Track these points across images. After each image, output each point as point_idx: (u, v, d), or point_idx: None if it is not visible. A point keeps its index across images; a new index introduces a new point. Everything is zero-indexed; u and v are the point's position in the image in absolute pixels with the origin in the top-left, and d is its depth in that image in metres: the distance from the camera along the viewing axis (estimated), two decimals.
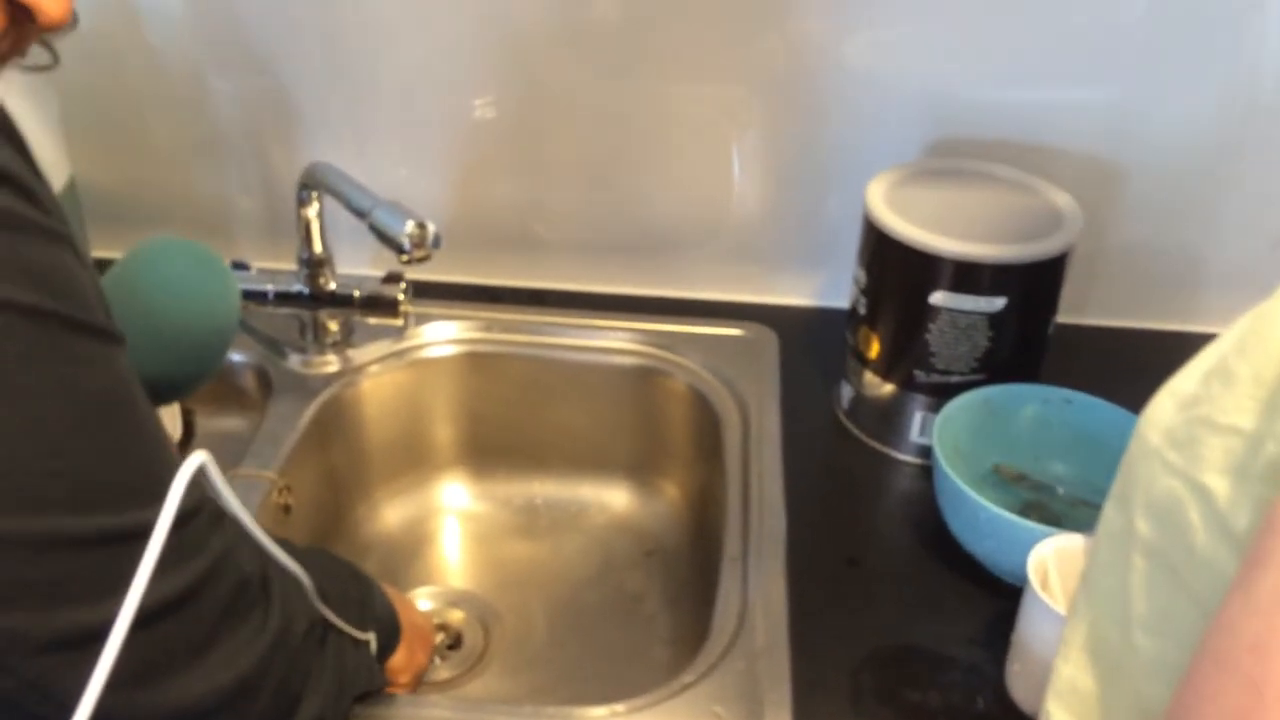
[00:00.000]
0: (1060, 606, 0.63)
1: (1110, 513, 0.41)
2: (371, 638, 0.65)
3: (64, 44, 0.53)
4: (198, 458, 0.47)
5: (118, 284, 0.71)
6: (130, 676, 0.45)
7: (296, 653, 0.55)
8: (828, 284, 1.05)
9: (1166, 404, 0.39)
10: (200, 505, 0.49)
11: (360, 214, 0.79)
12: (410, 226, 0.76)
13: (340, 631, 0.61)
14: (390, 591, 0.72)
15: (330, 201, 0.87)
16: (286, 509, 0.85)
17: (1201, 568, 0.35)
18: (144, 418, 0.48)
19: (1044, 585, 0.66)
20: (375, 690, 0.66)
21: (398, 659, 0.70)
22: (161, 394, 0.49)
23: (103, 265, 0.64)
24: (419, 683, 0.75)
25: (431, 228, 0.77)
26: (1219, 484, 0.35)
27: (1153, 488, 0.38)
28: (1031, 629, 0.66)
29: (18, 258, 0.42)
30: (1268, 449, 0.34)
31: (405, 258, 0.76)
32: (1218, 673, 0.32)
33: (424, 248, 0.76)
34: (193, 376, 0.76)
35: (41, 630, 0.43)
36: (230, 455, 0.86)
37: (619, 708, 0.67)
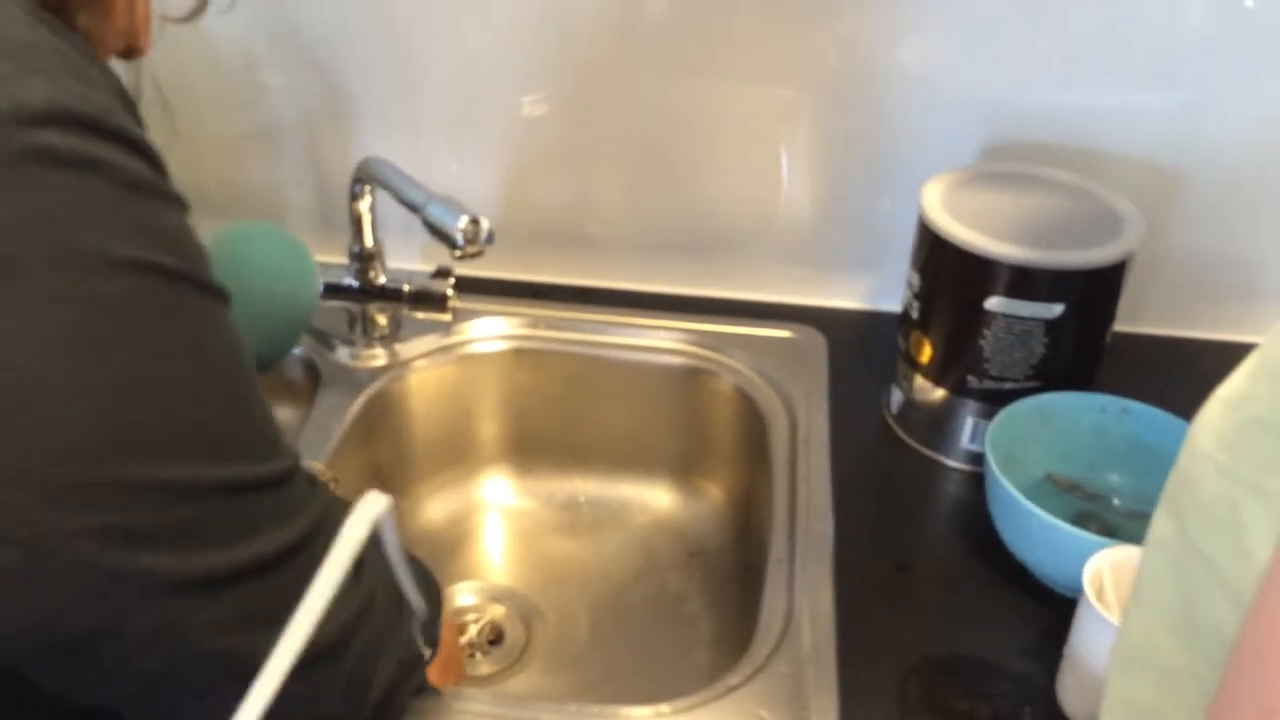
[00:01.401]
0: (1116, 619, 0.62)
1: (1160, 521, 0.40)
2: (429, 652, 0.65)
3: None
4: (380, 499, 0.51)
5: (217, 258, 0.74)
6: (252, 619, 0.48)
7: (379, 623, 0.56)
8: (878, 287, 1.04)
9: (1215, 409, 0.38)
10: (298, 466, 0.52)
11: (414, 208, 0.80)
12: (464, 222, 0.76)
13: (410, 621, 0.61)
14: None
15: (380, 195, 0.87)
16: None
17: (1251, 572, 0.34)
18: (254, 376, 0.50)
19: (1099, 597, 0.64)
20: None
21: (434, 665, 0.70)
22: None
23: None
24: None
25: (485, 223, 0.77)
26: (1273, 483, 0.34)
27: (1204, 493, 0.37)
28: (1086, 641, 0.65)
29: (155, 222, 0.45)
30: None
31: (458, 253, 0.76)
32: (1257, 666, 0.31)
33: (477, 243, 0.76)
34: (270, 357, 0.79)
35: (180, 571, 0.45)
36: None
37: (664, 708, 0.67)
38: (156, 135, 0.47)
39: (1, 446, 0.40)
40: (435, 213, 0.77)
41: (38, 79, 0.41)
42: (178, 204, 0.47)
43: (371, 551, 0.57)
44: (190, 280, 0.46)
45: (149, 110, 0.51)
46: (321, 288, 0.83)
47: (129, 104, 0.47)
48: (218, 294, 0.48)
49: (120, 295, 0.43)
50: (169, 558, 0.45)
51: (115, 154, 0.43)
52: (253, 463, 0.48)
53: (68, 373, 0.41)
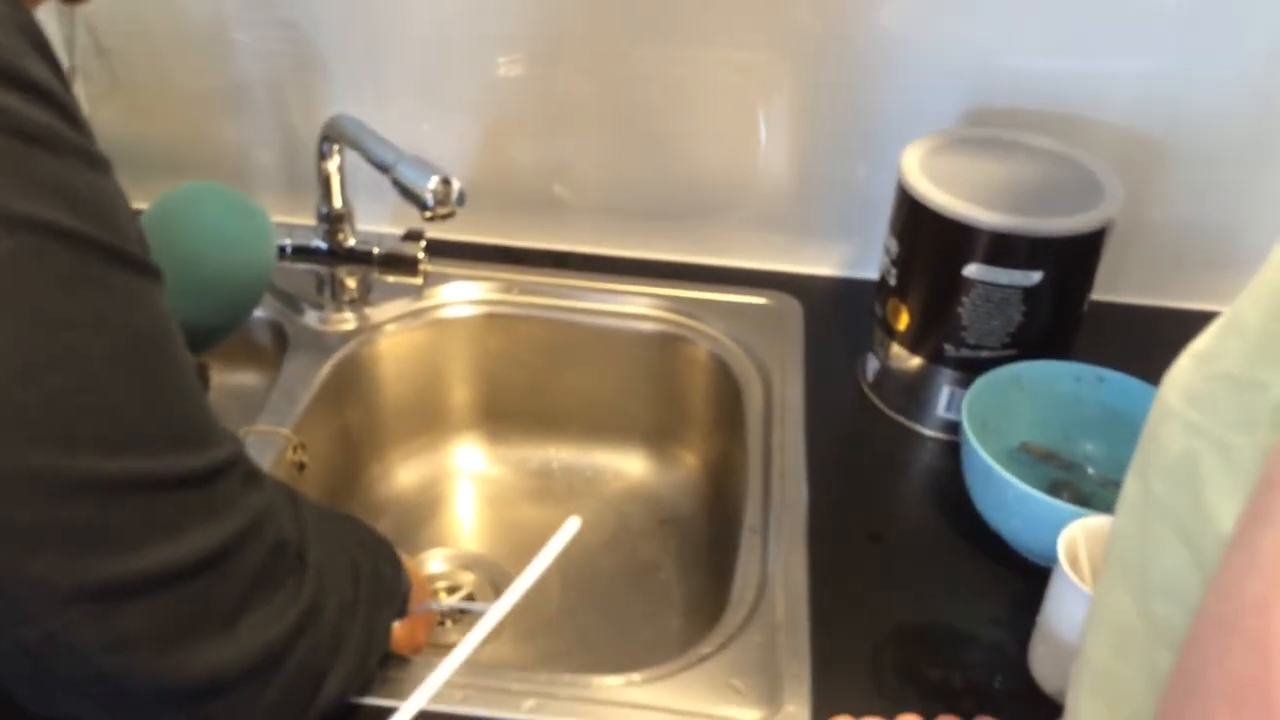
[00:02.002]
0: (1090, 587, 0.62)
1: (1129, 480, 0.40)
2: (394, 621, 0.63)
3: None
4: (575, 524, 0.54)
5: (152, 226, 0.70)
6: (156, 637, 0.44)
7: (327, 628, 0.53)
8: (855, 255, 1.03)
9: (1186, 364, 0.37)
10: (234, 460, 0.47)
11: (383, 168, 0.78)
12: (435, 182, 0.74)
13: (369, 609, 0.59)
14: (409, 566, 0.70)
15: (349, 156, 0.85)
16: (301, 467, 0.84)
17: (1207, 527, 0.34)
18: (181, 360, 0.46)
19: (1073, 566, 0.64)
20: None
21: (399, 633, 0.68)
22: (190, 343, 0.48)
23: None
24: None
25: (456, 184, 0.75)
26: (1239, 439, 0.33)
27: (1169, 449, 0.36)
28: (1059, 610, 0.64)
29: (58, 179, 0.40)
30: (1273, 394, 0.32)
31: (428, 214, 0.75)
32: (1221, 635, 0.30)
33: (448, 204, 0.74)
34: (224, 326, 0.74)
35: (66, 579, 0.41)
36: (245, 411, 0.85)
37: (635, 677, 0.66)
38: (94, 85, 0.44)
39: None
40: (405, 173, 0.76)
41: None
42: (92, 162, 0.42)
43: (318, 552, 0.53)
44: (101, 248, 0.41)
45: (85, 61, 0.48)
46: (277, 254, 0.79)
47: (41, 47, 0.42)
48: (141, 267, 0.43)
49: (8, 255, 0.38)
50: (59, 563, 0.40)
51: (17, 103, 0.39)
52: (169, 456, 0.43)
53: None
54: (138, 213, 0.47)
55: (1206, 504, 0.34)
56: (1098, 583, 0.42)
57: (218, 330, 0.74)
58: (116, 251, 0.42)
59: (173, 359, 0.45)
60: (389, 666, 0.64)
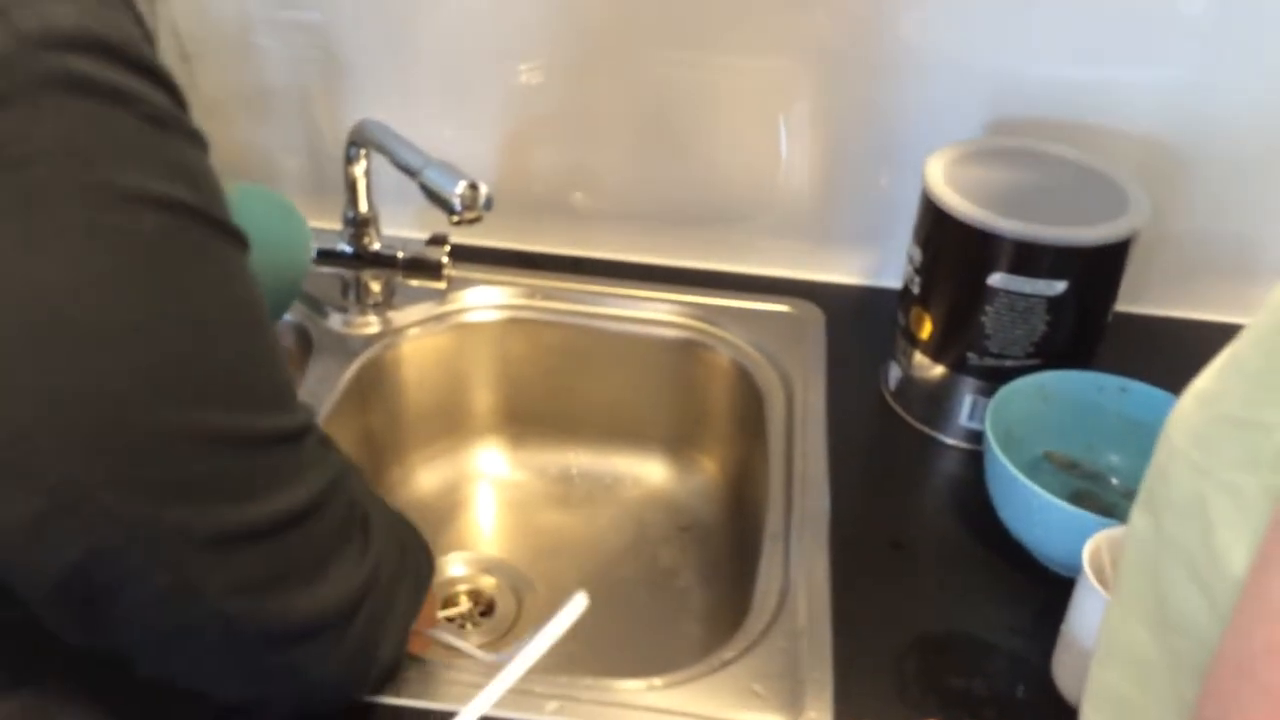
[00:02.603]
0: None
1: (1137, 515, 0.40)
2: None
3: None
4: (582, 602, 0.58)
5: None
6: (261, 582, 0.47)
7: (383, 589, 0.55)
8: (878, 263, 1.03)
9: (1189, 404, 0.38)
10: (311, 425, 0.50)
11: (411, 172, 0.78)
12: (462, 186, 0.75)
13: (411, 584, 0.61)
14: None
15: (374, 161, 0.86)
16: None
17: (1219, 568, 0.34)
18: (271, 325, 0.49)
19: (1098, 576, 0.64)
20: None
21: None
22: None
23: None
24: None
25: (483, 188, 0.75)
26: (1245, 481, 0.33)
27: (1178, 489, 0.37)
28: (1084, 620, 0.64)
29: (182, 160, 0.43)
30: (1276, 436, 0.33)
31: (455, 218, 0.75)
32: (1236, 680, 0.31)
33: (475, 209, 0.75)
34: None
35: (199, 527, 0.44)
36: None
37: (657, 681, 0.66)
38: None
39: (32, 388, 0.39)
40: (433, 177, 0.76)
41: (66, 3, 0.39)
42: (200, 142, 0.45)
43: (378, 518, 0.56)
44: (215, 223, 0.45)
45: (168, 62, 0.49)
46: (314, 254, 0.81)
47: (147, 33, 0.45)
48: (239, 240, 0.47)
49: (151, 232, 0.41)
50: (191, 513, 0.43)
51: (142, 86, 0.41)
52: (274, 414, 0.47)
53: (99, 309, 0.40)
54: None
55: (1217, 546, 0.34)
56: (1108, 611, 0.42)
57: None
58: (224, 225, 0.45)
59: (267, 324, 0.48)
60: (410, 666, 0.64)
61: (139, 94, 0.41)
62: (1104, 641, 0.42)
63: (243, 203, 0.75)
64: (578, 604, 0.57)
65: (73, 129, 0.39)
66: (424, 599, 0.63)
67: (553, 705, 0.64)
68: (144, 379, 0.41)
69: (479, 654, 0.67)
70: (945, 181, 0.81)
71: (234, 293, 0.46)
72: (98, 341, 0.40)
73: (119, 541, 0.42)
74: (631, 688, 0.66)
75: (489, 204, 0.76)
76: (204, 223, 0.44)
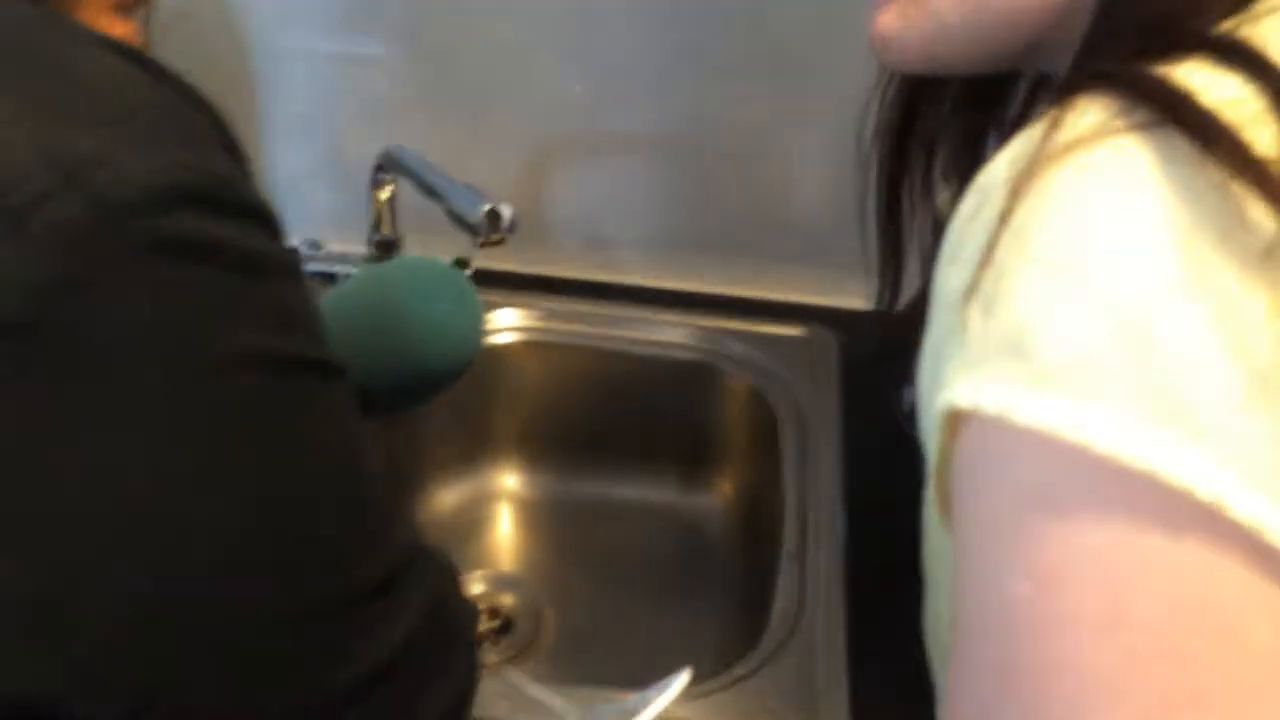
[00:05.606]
0: None
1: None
2: None
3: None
4: (684, 678, 0.54)
5: (369, 298, 0.69)
6: None
7: (472, 696, 0.50)
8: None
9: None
10: (412, 551, 0.45)
11: (436, 196, 0.80)
12: (486, 209, 0.76)
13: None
14: None
15: (398, 186, 0.88)
16: None
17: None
18: (371, 461, 0.43)
19: None
20: None
21: None
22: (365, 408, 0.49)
23: None
24: None
25: (507, 212, 0.77)
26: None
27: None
28: None
29: (275, 303, 0.39)
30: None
31: (480, 240, 0.77)
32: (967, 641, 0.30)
33: (499, 231, 0.77)
34: (406, 406, 0.71)
35: (291, 704, 0.40)
36: None
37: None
38: None
39: (112, 593, 0.35)
40: (458, 200, 0.78)
41: (145, 151, 0.35)
42: (295, 271, 0.40)
43: (465, 615, 0.52)
44: (313, 366, 0.40)
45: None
46: (483, 333, 0.75)
47: (224, 133, 0.40)
48: (338, 373, 0.42)
49: (247, 398, 0.37)
50: (277, 695, 0.40)
51: (236, 232, 0.37)
52: (373, 559, 0.42)
53: (189, 504, 0.36)
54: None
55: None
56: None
57: (401, 406, 0.71)
58: (323, 364, 0.41)
59: (366, 463, 0.43)
60: None
61: (234, 243, 0.37)
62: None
63: (430, 290, 0.70)
64: (681, 679, 0.56)
65: (161, 300, 0.34)
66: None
67: (572, 718, 0.65)
68: (235, 572, 0.37)
69: (557, 703, 0.66)
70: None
71: (332, 436, 0.41)
72: (188, 540, 0.36)
73: None
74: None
75: (513, 227, 0.78)
76: (302, 369, 0.39)
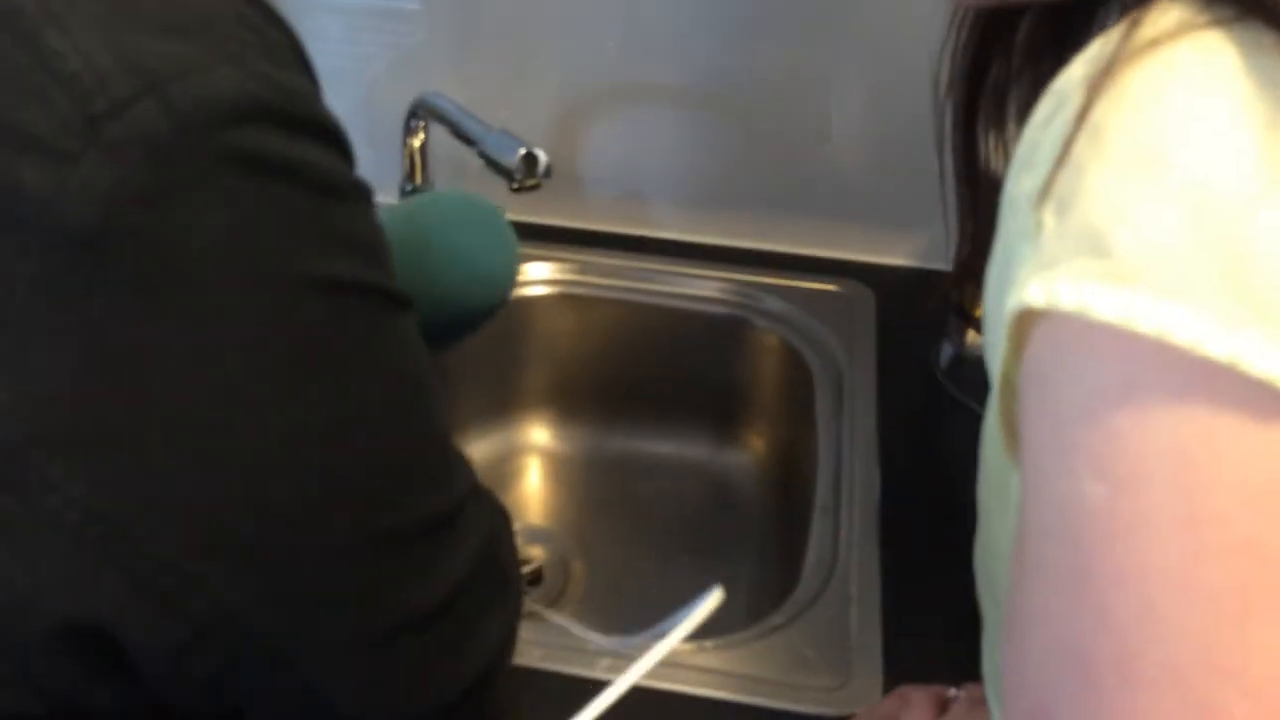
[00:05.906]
0: None
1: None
2: None
3: None
4: (717, 595, 0.52)
5: (402, 237, 0.64)
6: (410, 671, 0.43)
7: (512, 647, 0.51)
8: (929, 246, 1.03)
9: None
10: (470, 488, 0.45)
11: (471, 142, 0.79)
12: (523, 152, 0.76)
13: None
14: None
15: (431, 134, 0.87)
16: None
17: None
18: (437, 394, 0.43)
19: None
20: None
21: None
22: None
23: None
24: None
25: (542, 156, 0.76)
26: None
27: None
28: None
29: (350, 228, 0.38)
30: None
31: (515, 185, 0.76)
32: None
33: (534, 176, 0.76)
34: (437, 345, 0.67)
35: (339, 635, 0.40)
36: None
37: (708, 644, 0.67)
38: None
39: (184, 513, 0.35)
40: (493, 144, 0.77)
41: (226, 66, 0.34)
42: (367, 199, 0.40)
43: (510, 563, 0.51)
44: (383, 294, 0.40)
45: None
46: (518, 266, 0.72)
47: (301, 54, 0.39)
48: (405, 303, 0.42)
49: (316, 323, 0.37)
50: (341, 622, 0.39)
51: (313, 152, 0.37)
52: (435, 492, 0.42)
53: (264, 426, 0.36)
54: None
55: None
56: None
57: (433, 342, 0.70)
58: (392, 294, 0.40)
59: (432, 396, 0.43)
60: None
61: (312, 162, 0.36)
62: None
63: (441, 211, 0.68)
64: (713, 597, 0.55)
65: (241, 217, 0.34)
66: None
67: (605, 662, 0.65)
68: (304, 496, 0.37)
69: (593, 637, 0.65)
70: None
71: (406, 366, 0.41)
72: (260, 462, 0.36)
73: (261, 654, 0.39)
74: (683, 649, 0.66)
75: (548, 172, 0.77)
76: (373, 297, 0.39)
